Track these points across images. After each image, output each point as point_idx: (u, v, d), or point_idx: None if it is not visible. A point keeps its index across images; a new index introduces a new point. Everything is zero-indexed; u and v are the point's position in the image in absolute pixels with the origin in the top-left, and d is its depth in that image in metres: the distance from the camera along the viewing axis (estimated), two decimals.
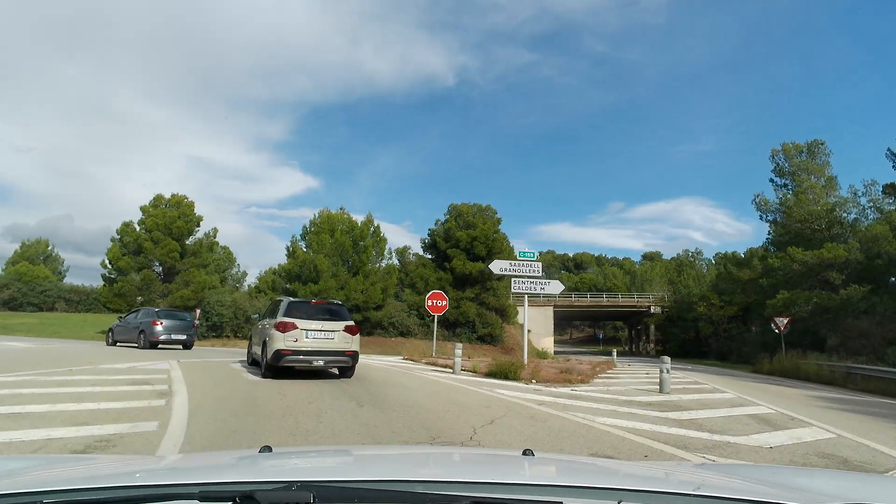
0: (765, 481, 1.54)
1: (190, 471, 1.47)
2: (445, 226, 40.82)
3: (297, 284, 31.82)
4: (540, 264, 11.99)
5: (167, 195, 31.14)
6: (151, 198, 30.69)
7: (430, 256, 42.49)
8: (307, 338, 9.61)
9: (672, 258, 67.62)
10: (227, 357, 16.11)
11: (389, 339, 34.65)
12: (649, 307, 50.55)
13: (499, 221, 40.95)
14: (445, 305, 18.83)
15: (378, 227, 35.77)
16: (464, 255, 38.77)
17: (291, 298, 10.79)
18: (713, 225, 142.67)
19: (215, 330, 30.04)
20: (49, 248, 55.34)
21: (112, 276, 29.37)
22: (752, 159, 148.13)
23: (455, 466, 1.74)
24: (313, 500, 0.97)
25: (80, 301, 49.52)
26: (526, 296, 12.34)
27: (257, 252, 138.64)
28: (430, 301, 18.99)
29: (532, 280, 12.03)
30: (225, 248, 47.40)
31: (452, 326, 37.76)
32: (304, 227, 34.93)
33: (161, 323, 17.45)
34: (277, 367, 9.50)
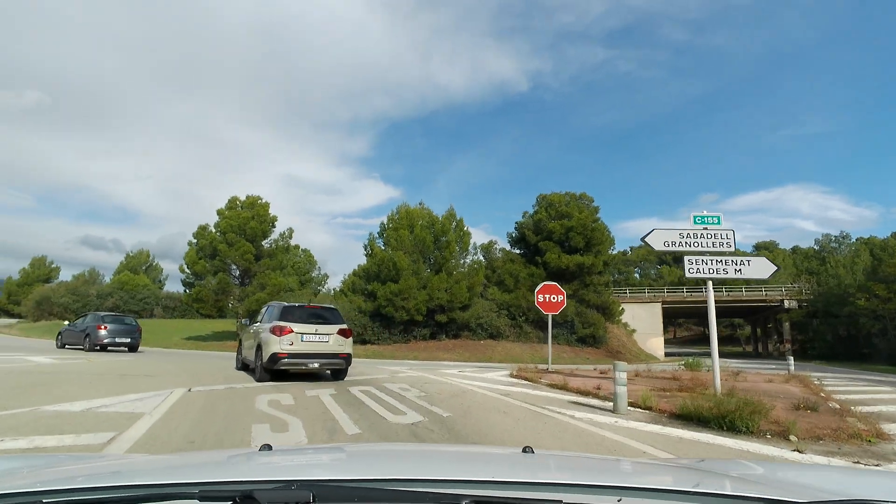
0: (765, 478, 1.56)
1: (190, 470, 1.44)
2: (535, 217, 36.54)
3: (376, 284, 29.19)
4: (732, 233, 7.56)
5: (242, 196, 29.85)
6: (226, 200, 29.53)
7: (518, 251, 38.40)
8: (302, 341, 9.74)
9: (808, 247, 57.91)
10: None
11: (478, 343, 31.07)
12: (781, 301, 42.69)
13: (596, 210, 35.97)
14: (562, 301, 14.73)
15: (461, 220, 32.36)
16: (558, 248, 34.29)
17: (285, 303, 10.89)
18: (826, 213, 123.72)
19: None
20: (150, 258, 58.10)
21: (190, 281, 28.44)
22: (874, 137, 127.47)
23: (455, 465, 1.64)
24: (313, 499, 0.97)
25: (176, 308, 51.21)
26: (709, 282, 7.85)
27: (344, 260, 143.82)
28: (541, 296, 15.00)
29: (719, 259, 7.53)
30: (305, 250, 46.59)
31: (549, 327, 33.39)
32: (382, 223, 32.39)
33: (105, 327, 17.89)
34: (273, 370, 9.64)
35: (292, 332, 9.65)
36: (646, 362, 35.56)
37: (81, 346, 18.23)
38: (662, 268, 74.24)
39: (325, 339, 10.06)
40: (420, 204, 33.16)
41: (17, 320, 46.26)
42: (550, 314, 14.63)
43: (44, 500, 1.01)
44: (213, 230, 28.31)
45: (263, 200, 29.80)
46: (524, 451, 1.68)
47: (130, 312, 47.78)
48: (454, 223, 32.17)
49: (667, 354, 44.12)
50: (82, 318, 20.62)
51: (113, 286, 48.62)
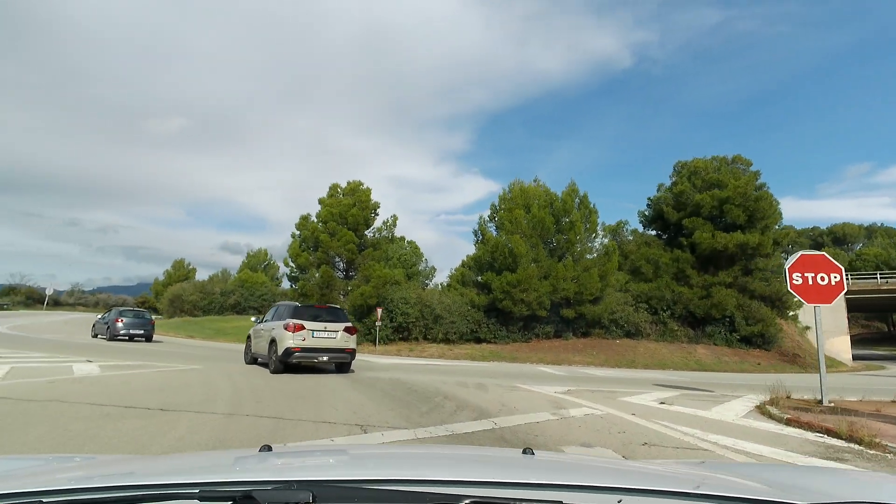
0: (765, 480, 1.51)
1: (189, 470, 1.45)
2: (675, 190, 30.36)
3: (490, 275, 25.43)
4: None
5: (343, 184, 27.84)
6: (328, 188, 27.69)
7: (654, 232, 32.42)
8: (313, 337, 10.91)
9: None
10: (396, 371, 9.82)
11: (613, 342, 26.01)
12: None
13: (756, 175, 28.87)
14: (839, 284, 8.66)
15: (585, 196, 27.45)
16: (709, 226, 27.93)
17: (296, 303, 12.38)
18: None
19: (401, 332, 25.47)
20: (267, 257, 60.18)
21: (295, 275, 26.94)
22: None
23: (456, 465, 1.64)
24: (313, 499, 0.97)
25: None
26: None
27: (448, 256, 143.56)
28: (797, 275, 8.21)
29: None
30: (411, 242, 44.52)
31: (700, 323, 27.30)
32: (493, 205, 28.58)
33: (122, 321, 20.55)
34: (288, 363, 10.70)
35: (304, 328, 10.85)
36: (835, 369, 27.79)
37: (105, 337, 21.23)
38: (826, 250, 61.64)
39: (334, 335, 11.20)
40: (535, 181, 28.84)
41: (155, 317, 49.96)
42: (818, 305, 8.33)
43: (44, 500, 1.01)
44: (315, 220, 26.51)
45: (365, 186, 27.53)
46: (524, 452, 1.68)
47: (251, 309, 49.41)
48: (577, 200, 27.36)
49: (854, 358, 35.05)
50: (107, 313, 23.31)
51: (234, 284, 50.52)
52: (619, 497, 1.10)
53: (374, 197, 27.72)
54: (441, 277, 52.12)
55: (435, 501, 1.03)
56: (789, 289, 8.53)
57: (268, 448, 1.59)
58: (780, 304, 27.87)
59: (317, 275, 25.27)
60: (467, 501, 1.00)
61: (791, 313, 29.43)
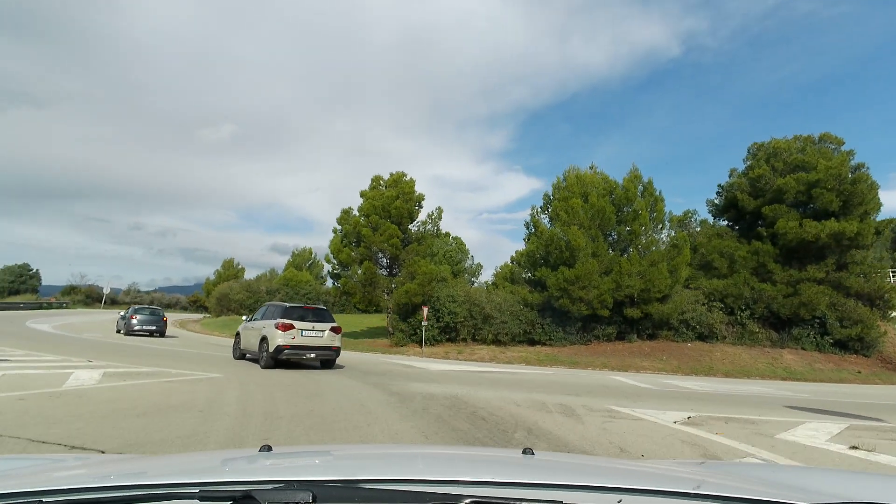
0: (765, 480, 1.54)
1: (190, 470, 1.44)
2: (751, 174, 27.12)
3: (545, 271, 23.26)
4: None
5: (385, 175, 26.33)
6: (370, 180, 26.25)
7: (726, 222, 29.25)
8: (302, 336, 11.87)
9: None
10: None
11: (683, 346, 23.28)
12: None
13: (851, 154, 25.26)
14: None
15: (650, 182, 24.79)
16: (794, 213, 24.65)
17: (286, 304, 13.19)
18: None
19: (447, 332, 23.72)
20: (312, 255, 60.04)
21: (337, 272, 25.66)
22: None
23: (455, 466, 1.67)
24: (313, 499, 0.96)
25: (335, 302, 51.58)
26: None
27: (491, 254, 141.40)
28: None
29: None
30: (456, 238, 42.74)
31: (785, 325, 24.10)
32: (546, 195, 26.35)
33: (136, 317, 22.24)
34: (278, 359, 11.74)
35: (293, 328, 11.74)
36: None
37: (122, 331, 22.88)
38: None
39: (321, 334, 12.16)
40: (592, 168, 26.40)
41: (202, 315, 50.44)
42: None
43: (44, 500, 1.01)
44: (357, 214, 25.12)
45: (409, 177, 25.91)
46: (524, 452, 1.67)
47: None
48: (640, 187, 24.74)
49: None
50: (127, 310, 24.70)
51: (280, 283, 50.41)
52: (619, 497, 1.10)
53: (418, 189, 26.06)
54: (485, 276, 50.17)
55: (435, 501, 1.03)
56: None
57: (268, 448, 1.57)
58: (881, 303, 24.25)
59: (359, 271, 23.86)
60: (467, 501, 1.00)
61: (894, 314, 25.63)
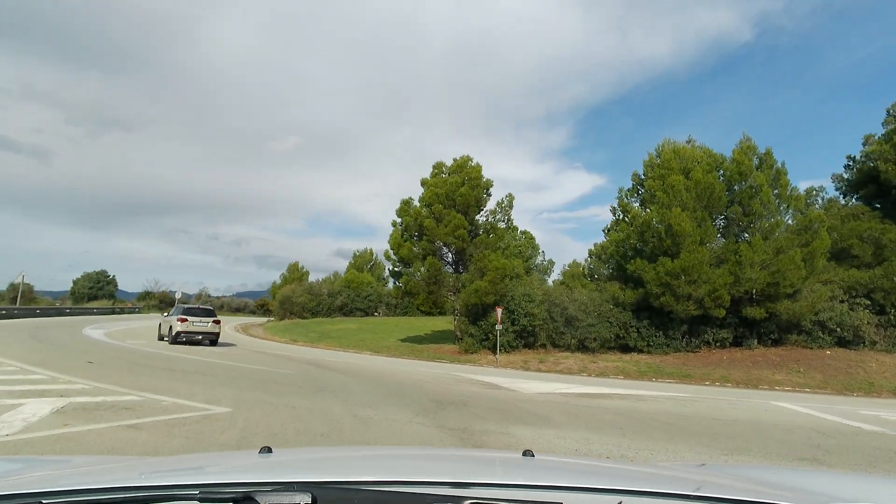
0: (765, 482, 1.54)
1: (189, 472, 1.45)
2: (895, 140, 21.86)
3: (640, 263, 19.50)
4: None
5: (448, 161, 23.52)
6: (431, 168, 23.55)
7: (863, 200, 23.99)
8: (193, 325, 18.50)
9: None
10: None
11: (821, 354, 18.68)
12: None
13: None
14: None
15: (769, 153, 20.34)
16: None
17: (186, 305, 20.72)
18: None
19: (524, 337, 20.51)
20: (373, 256, 58.57)
21: (397, 270, 23.13)
22: None
23: (456, 467, 1.67)
24: (313, 500, 0.97)
25: (397, 305, 49.59)
26: None
27: (554, 254, 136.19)
28: None
29: None
30: (525, 232, 39.36)
31: None
32: (635, 173, 22.48)
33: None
34: (177, 340, 18.16)
35: (188, 320, 18.49)
36: None
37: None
38: None
39: (206, 323, 18.84)
40: (689, 141, 22.25)
41: (266, 319, 50.08)
42: None
43: (44, 501, 1.01)
44: (418, 204, 22.45)
45: (475, 162, 22.94)
46: (524, 454, 1.66)
47: (357, 310, 47.68)
48: (755, 159, 20.35)
49: None
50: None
51: (341, 285, 49.16)
52: (619, 499, 1.10)
53: (484, 176, 23.01)
54: (553, 276, 46.18)
55: (435, 503, 1.04)
56: None
57: (268, 450, 1.56)
58: None
59: (422, 268, 21.16)
60: (468, 503, 1.01)
61: None
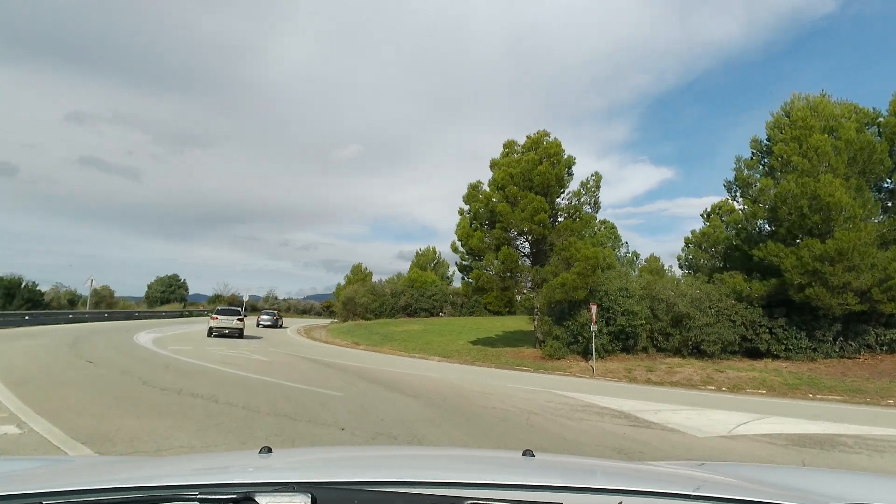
0: (764, 481, 1.54)
1: (190, 472, 1.45)
2: None
3: (774, 246, 15.49)
4: None
5: (521, 140, 20.43)
6: (501, 148, 20.55)
7: None
8: (220, 322, 23.19)
9: None
10: None
11: None
12: None
13: None
14: None
15: None
16: None
17: (219, 307, 26.68)
18: None
19: (620, 339, 17.02)
20: (436, 254, 56.32)
21: (466, 264, 20.31)
22: None
23: (456, 467, 1.68)
24: (313, 501, 0.97)
25: (463, 304, 46.86)
26: None
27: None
28: None
29: None
30: (604, 221, 35.35)
31: None
32: (755, 140, 18.34)
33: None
34: (210, 334, 22.89)
35: (218, 318, 23.31)
36: None
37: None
38: None
39: (231, 321, 23.27)
40: (823, 94, 17.81)
41: (330, 321, 48.99)
42: None
43: (44, 502, 1.00)
44: (488, 188, 19.52)
45: (552, 137, 19.69)
46: (525, 453, 1.65)
47: (421, 310, 45.44)
48: None
49: None
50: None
51: (404, 284, 47.13)
52: (619, 499, 1.10)
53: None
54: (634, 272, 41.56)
55: (436, 503, 1.04)
56: None
57: (268, 449, 1.55)
58: None
59: (495, 261, 18.18)
60: (468, 503, 1.01)
61: None
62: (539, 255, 19.36)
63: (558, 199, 19.41)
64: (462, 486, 1.15)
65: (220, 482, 1.15)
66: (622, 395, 11.02)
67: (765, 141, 17.95)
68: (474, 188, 19.89)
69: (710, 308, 16.74)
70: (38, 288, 36.58)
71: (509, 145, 20.51)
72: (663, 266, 42.59)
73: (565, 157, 19.27)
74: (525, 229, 18.02)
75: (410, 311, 44.90)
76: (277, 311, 53.11)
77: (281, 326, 36.76)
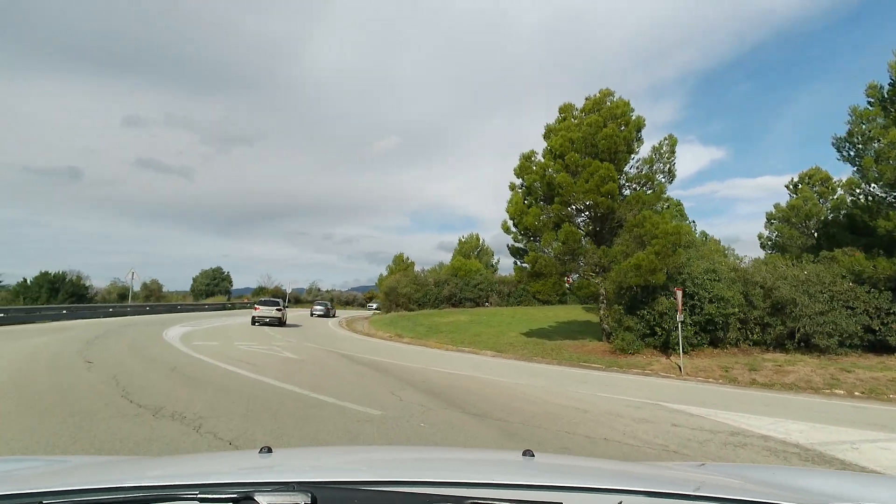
0: (764, 481, 1.53)
1: (190, 472, 1.42)
2: None
3: None
4: None
5: (578, 103, 17.77)
6: (557, 110, 17.98)
7: None
8: (262, 312, 25.27)
9: None
10: None
11: None
12: None
13: None
14: None
15: None
16: None
17: (262, 298, 30.75)
18: None
19: (708, 331, 14.29)
20: (480, 242, 54.03)
21: (519, 246, 17.98)
22: None
23: (456, 467, 1.65)
24: (313, 501, 0.97)
25: (511, 293, 44.38)
26: None
27: None
28: None
29: None
30: (668, 198, 31.97)
31: None
32: (872, 86, 15.01)
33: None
34: (253, 323, 24.98)
35: (259, 309, 25.49)
36: None
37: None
38: None
39: (271, 311, 25.29)
40: None
41: (372, 312, 47.66)
42: None
43: (44, 502, 1.00)
44: (543, 158, 17.06)
45: (618, 97, 16.97)
46: (524, 454, 1.64)
47: (466, 300, 43.33)
48: None
49: None
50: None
51: (447, 273, 45.11)
52: (619, 498, 1.10)
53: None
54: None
55: (435, 503, 1.03)
56: None
57: (268, 449, 1.55)
58: None
59: (555, 241, 15.74)
60: (468, 503, 1.01)
61: None
62: (603, 233, 16.76)
63: (628, 168, 16.72)
64: (462, 486, 1.15)
65: (219, 482, 1.16)
66: (749, 407, 8.43)
67: (887, 85, 14.61)
68: (527, 159, 17.45)
69: (821, 293, 13.77)
70: (82, 282, 36.87)
71: (566, 109, 17.91)
72: (724, 248, 38.69)
73: (633, 117, 16.52)
74: (589, 203, 15.48)
75: (455, 301, 42.87)
76: (330, 301, 52.90)
77: (333, 316, 41.18)
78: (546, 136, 17.77)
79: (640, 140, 16.89)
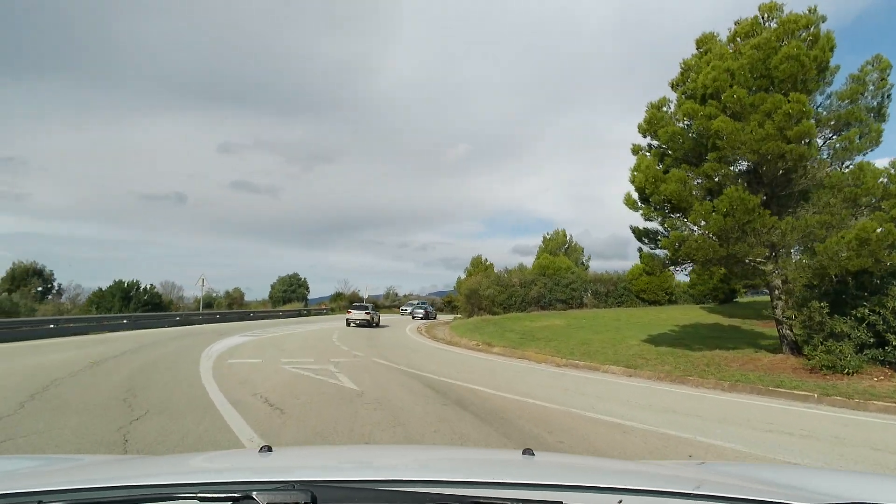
0: (765, 480, 1.51)
1: (190, 470, 1.43)
2: None
3: None
4: None
5: (730, 25, 13.00)
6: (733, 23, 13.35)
7: None
8: (354, 315, 28.27)
9: None
10: None
11: None
12: None
13: None
14: None
15: None
16: None
17: (355, 302, 35.37)
18: None
19: None
20: (567, 238, 49.03)
21: (649, 228, 13.53)
22: None
23: (456, 466, 1.67)
24: (313, 499, 0.96)
25: (609, 293, 39.00)
26: None
27: None
28: None
29: None
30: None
31: None
32: None
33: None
34: (348, 325, 27.66)
35: (352, 312, 28.59)
36: None
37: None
38: None
39: (362, 313, 28.13)
40: None
41: (453, 317, 44.19)
42: None
43: (44, 501, 1.00)
44: (685, 98, 12.56)
45: (811, 13, 12.03)
46: (524, 452, 1.63)
47: (557, 301, 38.64)
48: None
49: None
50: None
51: (534, 273, 40.66)
52: (619, 497, 1.09)
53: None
54: None
55: (436, 502, 1.02)
56: None
57: (268, 448, 1.53)
58: None
59: (713, 213, 11.10)
60: (468, 502, 1.00)
61: None
62: (780, 200, 11.87)
63: (818, 106, 11.76)
64: (463, 485, 1.14)
65: (219, 481, 1.15)
66: None
67: None
68: (658, 108, 12.94)
69: None
70: (154, 290, 36.86)
71: (705, 41, 13.23)
72: None
73: (823, 35, 11.53)
74: (767, 155, 10.71)
75: (543, 304, 38.28)
76: (431, 303, 51.16)
77: (434, 318, 41.20)
78: (683, 74, 13.20)
79: (827, 67, 11.84)
